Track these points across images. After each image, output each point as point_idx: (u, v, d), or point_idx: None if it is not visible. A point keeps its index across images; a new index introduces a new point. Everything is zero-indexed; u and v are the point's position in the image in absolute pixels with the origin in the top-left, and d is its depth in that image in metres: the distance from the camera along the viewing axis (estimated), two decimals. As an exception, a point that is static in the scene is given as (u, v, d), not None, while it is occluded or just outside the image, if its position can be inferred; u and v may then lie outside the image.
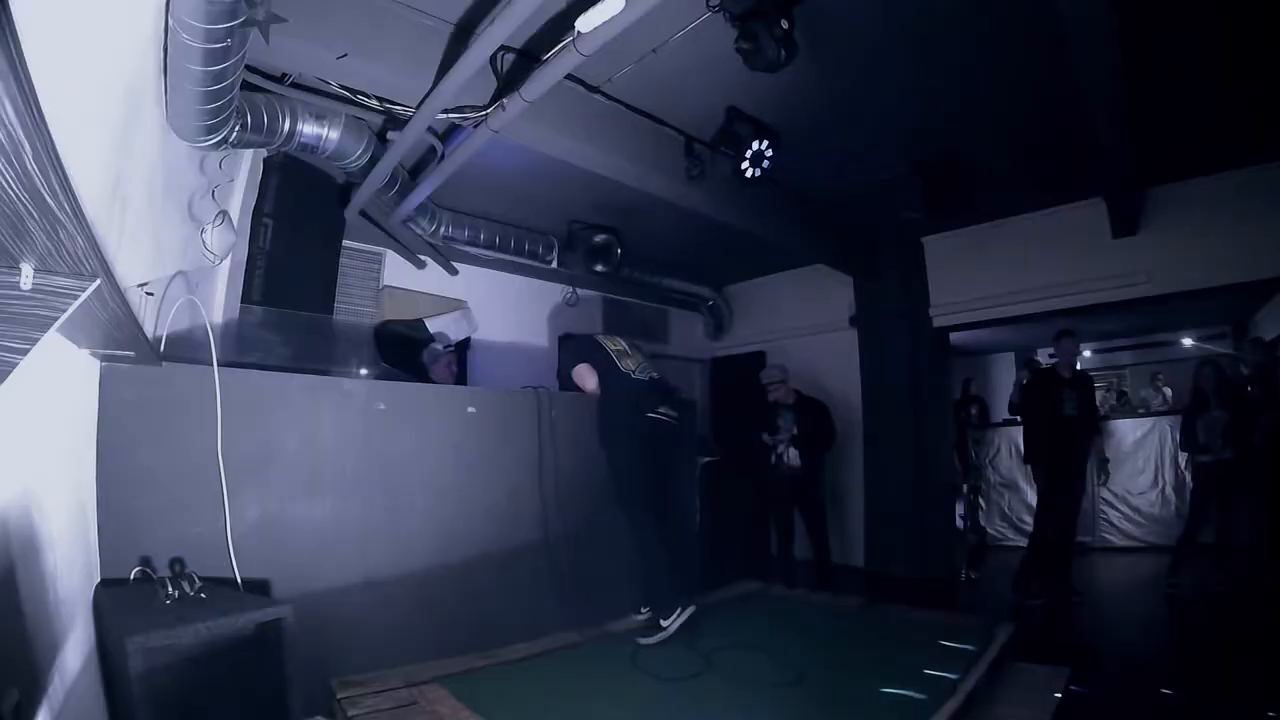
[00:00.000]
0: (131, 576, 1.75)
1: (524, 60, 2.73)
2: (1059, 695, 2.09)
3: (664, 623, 2.51)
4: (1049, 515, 4.17)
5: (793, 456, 4.29)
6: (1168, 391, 7.40)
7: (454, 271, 5.17)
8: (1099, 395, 7.64)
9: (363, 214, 3.90)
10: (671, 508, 2.91)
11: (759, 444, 4.43)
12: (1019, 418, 5.08)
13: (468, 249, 4.62)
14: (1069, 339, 4.26)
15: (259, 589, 2.04)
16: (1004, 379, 9.54)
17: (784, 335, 6.36)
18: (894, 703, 1.95)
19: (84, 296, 0.88)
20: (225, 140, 2.31)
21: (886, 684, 2.07)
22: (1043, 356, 7.94)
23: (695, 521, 3.90)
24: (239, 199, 3.07)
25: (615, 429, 2.84)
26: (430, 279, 5.09)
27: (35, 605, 1.24)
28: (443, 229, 4.31)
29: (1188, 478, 5.16)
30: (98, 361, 1.79)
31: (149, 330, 1.96)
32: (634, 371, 2.89)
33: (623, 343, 3.06)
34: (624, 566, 2.85)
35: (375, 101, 2.77)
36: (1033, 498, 5.67)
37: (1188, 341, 7.97)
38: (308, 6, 2.28)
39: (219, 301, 3.09)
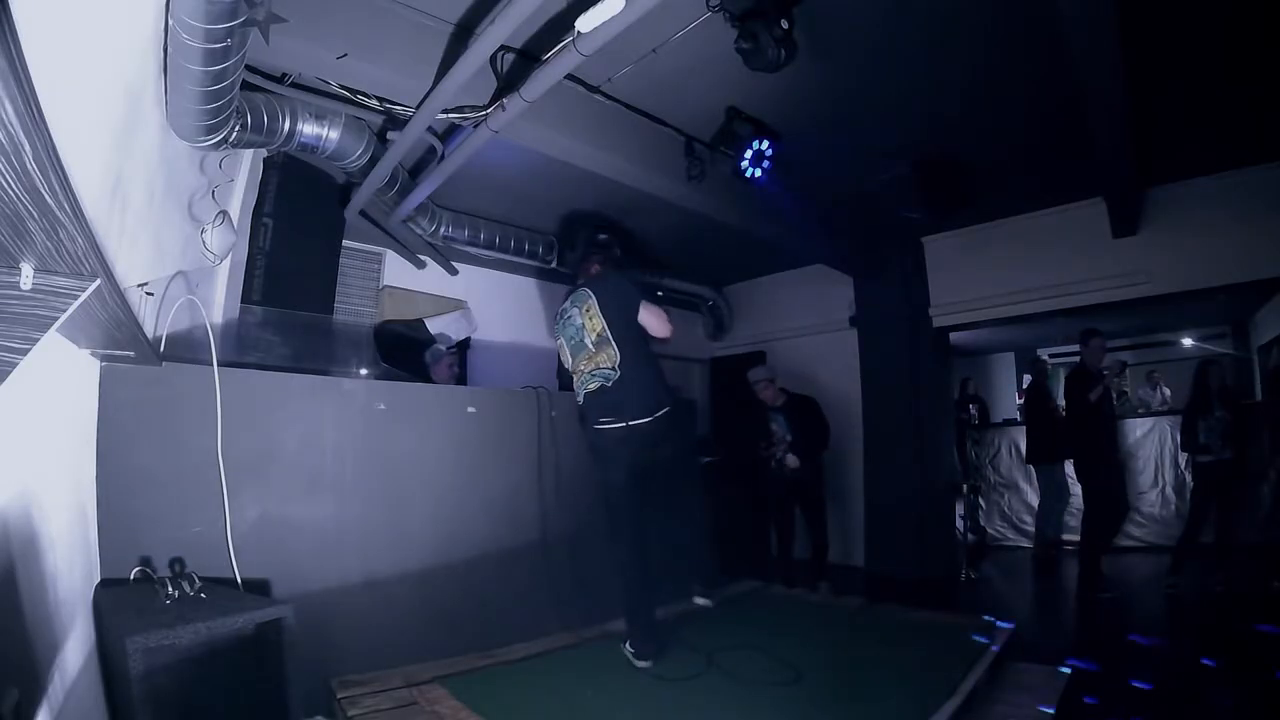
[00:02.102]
0: (131, 576, 1.76)
1: (524, 60, 2.73)
2: (1059, 695, 2.09)
3: (636, 660, 2.36)
4: (1108, 507, 4.27)
5: (791, 461, 4.28)
6: (1166, 390, 7.39)
7: (454, 271, 5.17)
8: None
9: (363, 214, 3.90)
10: (654, 513, 2.65)
11: (758, 456, 4.44)
12: (1024, 417, 5.09)
13: (468, 249, 4.62)
14: (1099, 339, 4.30)
15: (259, 589, 2.04)
16: (1004, 379, 9.55)
17: (784, 335, 6.36)
18: (893, 702, 1.95)
19: (84, 296, 0.88)
20: (225, 140, 2.31)
21: (886, 684, 2.08)
22: (1043, 355, 7.94)
23: (696, 521, 3.87)
24: (239, 199, 3.08)
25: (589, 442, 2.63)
26: (430, 279, 5.08)
27: (35, 605, 1.24)
28: (443, 229, 4.30)
29: (1188, 478, 5.16)
30: (98, 361, 1.79)
31: (149, 330, 1.96)
32: (574, 384, 2.61)
33: (575, 331, 2.59)
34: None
35: (375, 101, 2.77)
36: (1033, 498, 5.70)
37: (1188, 341, 7.96)
38: (308, 6, 2.27)
39: (219, 301, 3.09)
